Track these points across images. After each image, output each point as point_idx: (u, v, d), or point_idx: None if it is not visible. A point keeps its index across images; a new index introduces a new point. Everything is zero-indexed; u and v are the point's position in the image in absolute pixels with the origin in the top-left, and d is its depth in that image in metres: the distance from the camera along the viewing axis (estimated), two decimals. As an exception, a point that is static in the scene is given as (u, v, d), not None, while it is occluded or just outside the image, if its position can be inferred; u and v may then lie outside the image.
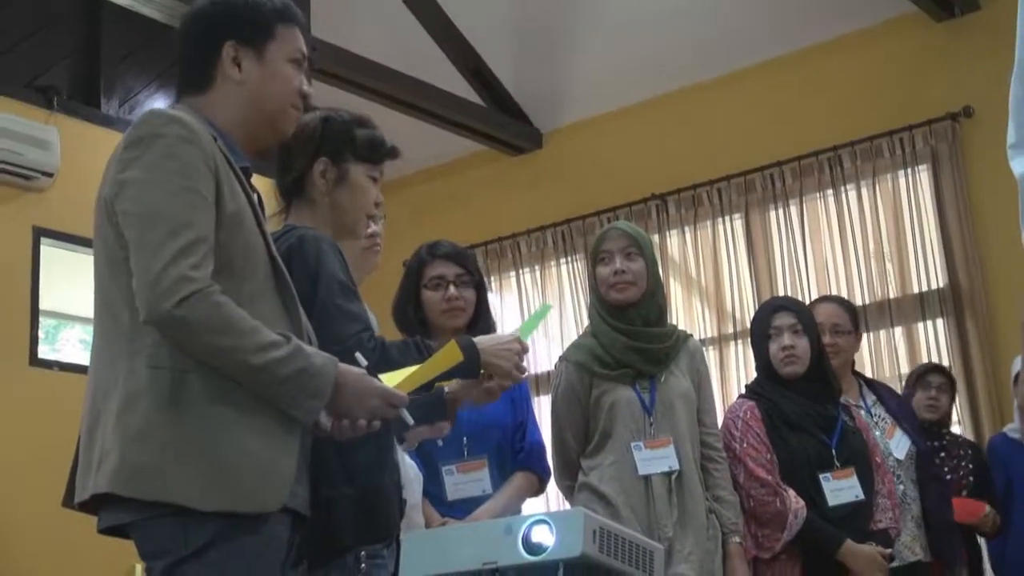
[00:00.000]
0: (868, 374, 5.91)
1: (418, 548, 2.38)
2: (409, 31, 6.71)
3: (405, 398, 2.42)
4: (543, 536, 2.24)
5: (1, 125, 5.73)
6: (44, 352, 5.91)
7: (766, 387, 3.98)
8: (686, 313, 6.63)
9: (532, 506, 4.44)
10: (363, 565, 2.61)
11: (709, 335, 6.49)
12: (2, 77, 5.99)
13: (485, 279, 6.93)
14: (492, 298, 7.03)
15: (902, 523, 4.15)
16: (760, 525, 3.77)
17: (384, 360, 2.60)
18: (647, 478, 3.65)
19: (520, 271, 7.09)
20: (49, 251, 5.88)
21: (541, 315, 3.46)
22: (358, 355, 2.44)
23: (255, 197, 2.47)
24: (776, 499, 3.75)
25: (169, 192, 2.24)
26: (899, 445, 4.32)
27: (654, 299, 3.82)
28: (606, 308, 3.83)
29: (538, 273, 7.04)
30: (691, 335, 4.00)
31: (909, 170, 6.08)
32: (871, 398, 4.44)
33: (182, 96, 2.50)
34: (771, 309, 4.08)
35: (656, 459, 3.66)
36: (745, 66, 6.53)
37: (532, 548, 2.24)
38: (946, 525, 4.32)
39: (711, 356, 6.37)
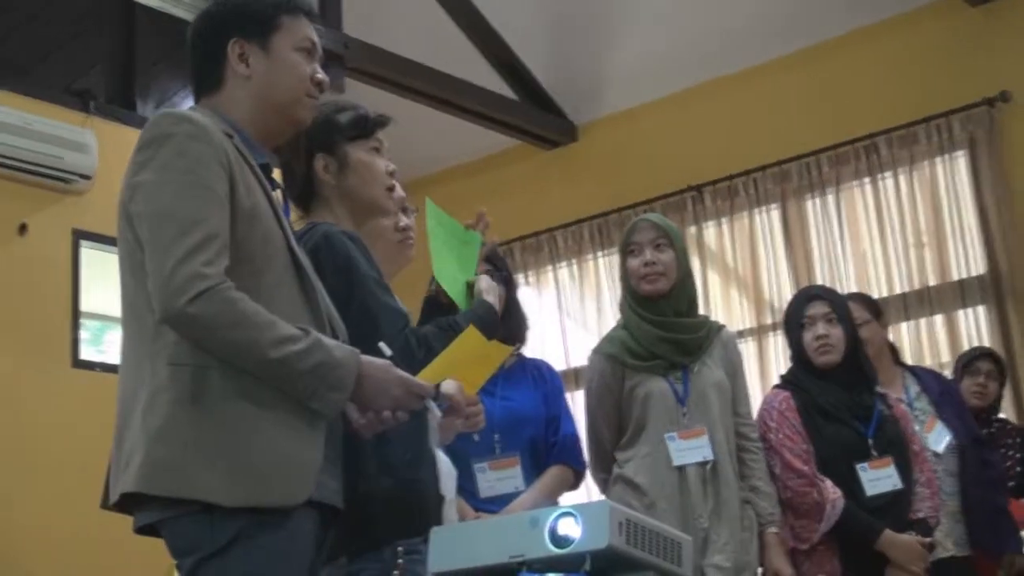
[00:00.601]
0: (910, 363, 5.89)
1: (445, 542, 2.37)
2: (441, 27, 6.71)
3: (431, 388, 2.42)
4: (569, 528, 2.22)
5: (39, 129, 5.77)
6: (89, 354, 5.95)
7: (801, 377, 3.96)
8: (724, 304, 6.59)
9: (571, 500, 4.42)
10: (400, 560, 2.61)
11: (747, 326, 6.45)
12: (39, 82, 6.06)
13: (522, 274, 7.04)
14: (529, 293, 7.07)
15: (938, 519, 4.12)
16: (797, 516, 3.75)
17: (431, 355, 2.61)
18: (681, 469, 3.64)
19: (557, 265, 7.09)
20: (89, 253, 5.92)
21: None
22: (382, 345, 2.44)
23: (276, 192, 2.48)
24: (813, 490, 3.73)
25: (180, 191, 2.24)
26: (938, 439, 4.28)
27: (684, 290, 3.81)
28: (637, 300, 3.82)
29: (575, 267, 7.03)
30: (724, 326, 3.98)
31: (946, 156, 6.02)
32: (915, 389, 4.41)
33: (199, 98, 2.52)
34: (805, 298, 4.06)
35: (690, 450, 3.65)
36: (780, 55, 6.48)
37: (558, 541, 2.22)
38: (995, 511, 4.27)
39: (750, 347, 6.34)
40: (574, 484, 3.92)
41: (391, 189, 3.00)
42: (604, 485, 3.85)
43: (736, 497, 3.66)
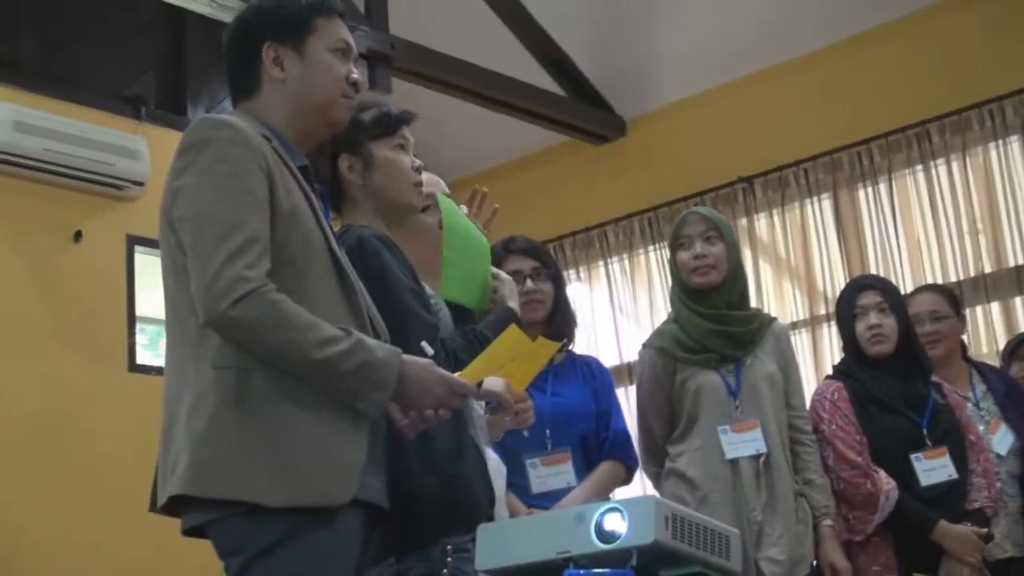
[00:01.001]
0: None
1: (492, 539, 2.38)
2: (487, 24, 6.69)
3: (472, 387, 2.43)
4: (615, 524, 2.23)
5: (92, 137, 5.84)
6: (145, 358, 6.00)
7: (854, 367, 3.93)
8: (777, 296, 6.55)
9: (623, 495, 4.41)
10: (449, 559, 2.62)
11: (801, 317, 6.40)
12: (91, 90, 6.11)
13: (573, 270, 7.03)
14: (581, 288, 7.07)
15: (996, 520, 4.07)
16: (851, 508, 3.73)
17: (458, 366, 2.62)
18: (734, 462, 3.63)
19: (608, 260, 7.07)
20: (143, 258, 5.98)
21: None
22: (424, 344, 2.45)
23: (316, 192, 2.49)
24: (867, 481, 3.70)
25: (220, 195, 2.26)
26: (1002, 440, 4.22)
27: (736, 282, 3.80)
28: (687, 293, 3.81)
29: (626, 262, 7.01)
30: (775, 318, 3.97)
31: (1000, 142, 5.94)
32: (981, 388, 4.34)
33: (237, 103, 2.54)
34: (856, 288, 4.03)
35: (743, 443, 3.64)
36: (828, 44, 6.41)
37: (605, 536, 2.23)
38: None
39: (803, 339, 6.30)
40: (626, 479, 3.92)
41: (418, 184, 3.00)
42: (656, 479, 3.85)
43: (790, 490, 3.64)
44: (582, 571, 2.15)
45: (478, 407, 2.48)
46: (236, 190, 2.27)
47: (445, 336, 2.82)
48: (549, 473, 3.78)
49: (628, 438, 3.90)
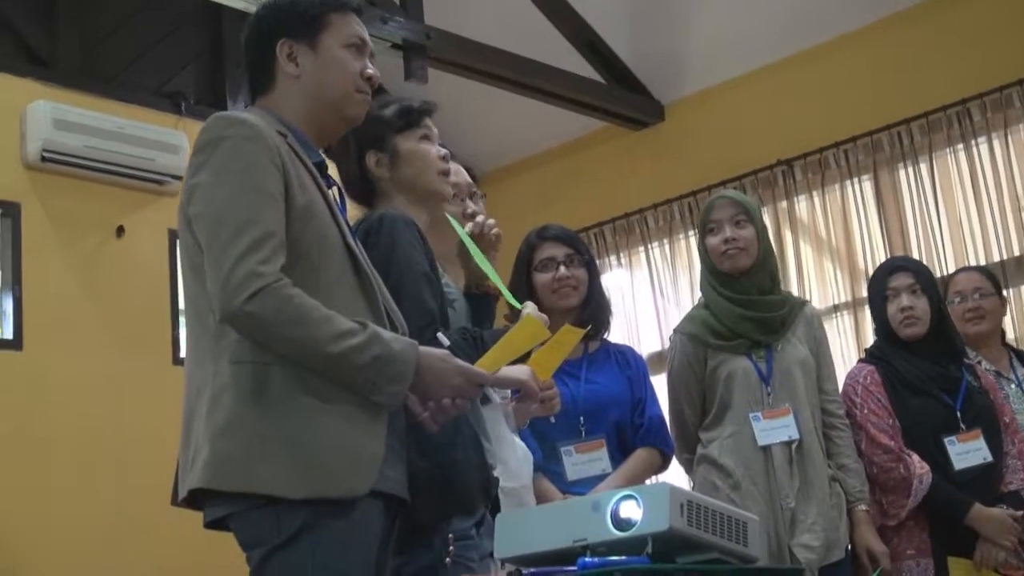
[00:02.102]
0: (1010, 332, 5.76)
1: (509, 527, 2.39)
2: (521, 11, 6.67)
3: (488, 376, 2.44)
4: (631, 511, 2.23)
5: (133, 133, 5.91)
6: (188, 351, 6.08)
7: (886, 350, 3.91)
8: (818, 278, 6.50)
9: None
10: (451, 547, 2.63)
11: (843, 300, 6.35)
12: (132, 86, 6.19)
13: (615, 255, 7.03)
14: (622, 274, 7.06)
15: None
16: (884, 492, 3.71)
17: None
18: (767, 448, 3.62)
19: (649, 245, 7.04)
20: (185, 253, 6.05)
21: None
22: (440, 335, 2.46)
23: (333, 189, 2.51)
24: (900, 465, 3.68)
25: (234, 192, 2.29)
26: None
27: (766, 267, 3.79)
28: (718, 278, 3.80)
29: (667, 247, 6.98)
30: (807, 301, 3.95)
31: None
32: (1022, 371, 4.30)
33: (254, 99, 2.57)
34: (888, 270, 4.00)
35: (775, 429, 3.63)
36: (865, 24, 6.35)
37: (620, 524, 2.23)
38: None
39: (845, 321, 6.25)
40: (661, 466, 3.91)
41: (446, 173, 3.02)
42: (688, 465, 3.85)
43: (824, 476, 3.63)
44: (596, 559, 2.15)
45: (496, 396, 2.49)
46: (250, 187, 2.29)
47: (453, 329, 2.83)
48: (584, 460, 3.78)
49: (664, 425, 3.89)
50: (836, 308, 6.32)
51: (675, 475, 5.00)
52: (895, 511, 3.69)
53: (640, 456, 3.82)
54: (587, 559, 2.17)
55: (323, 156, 2.54)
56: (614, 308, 6.87)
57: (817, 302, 6.40)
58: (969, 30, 6.05)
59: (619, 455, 3.80)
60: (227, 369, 2.28)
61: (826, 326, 6.19)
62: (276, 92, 2.53)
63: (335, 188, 2.55)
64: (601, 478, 3.73)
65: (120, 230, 5.94)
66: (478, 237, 3.10)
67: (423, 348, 2.35)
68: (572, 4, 6.82)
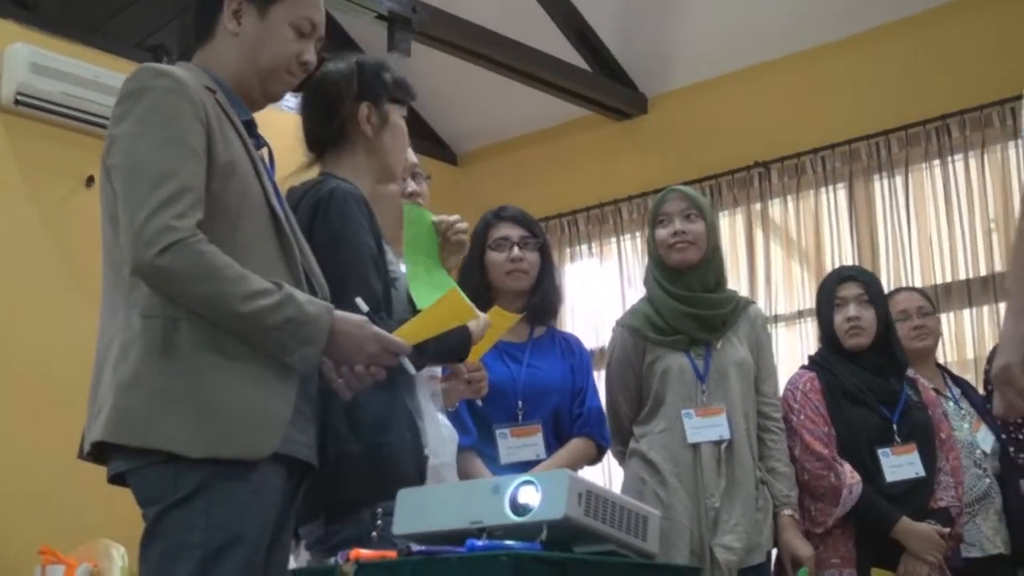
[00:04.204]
0: (970, 351, 5.78)
1: (410, 505, 2.38)
2: (513, -6, 6.67)
3: (407, 346, 2.43)
4: (529, 497, 2.23)
5: (111, 83, 5.83)
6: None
7: (829, 358, 3.91)
8: (786, 283, 6.48)
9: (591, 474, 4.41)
10: (379, 522, 2.63)
11: (808, 306, 6.32)
12: (114, 36, 6.14)
13: (587, 244, 7.02)
14: (592, 263, 7.05)
15: (985, 514, 4.05)
16: (814, 499, 3.71)
17: None
18: (696, 447, 3.62)
19: (621, 237, 7.02)
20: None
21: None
22: (359, 300, 2.45)
23: (263, 149, 2.49)
24: (831, 473, 3.68)
25: (154, 144, 2.27)
26: (986, 439, 4.22)
27: (712, 264, 3.78)
28: (663, 273, 3.79)
29: (638, 240, 6.96)
30: (753, 302, 3.93)
31: (1019, 140, 5.84)
32: (957, 390, 4.34)
33: (194, 48, 2.53)
34: (838, 279, 4.00)
35: (707, 427, 3.63)
36: (853, 33, 6.33)
37: (518, 509, 2.23)
38: (1021, 519, 4.19)
39: (809, 327, 6.24)
40: (596, 458, 3.91)
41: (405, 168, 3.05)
42: (622, 458, 3.84)
43: (751, 478, 3.63)
44: (486, 541, 2.15)
45: (411, 368, 2.47)
46: (171, 140, 2.27)
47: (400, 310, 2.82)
48: (518, 444, 3.78)
49: (603, 417, 3.89)
50: (801, 314, 6.32)
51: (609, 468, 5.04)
52: (822, 519, 3.69)
53: (576, 445, 3.82)
54: (476, 541, 2.16)
55: (252, 115, 2.52)
56: (582, 297, 6.99)
57: (783, 307, 6.42)
58: (952, 48, 6.04)
59: (554, 443, 3.80)
60: (137, 322, 2.26)
61: (790, 332, 6.32)
62: (212, 45, 2.51)
63: (265, 148, 2.53)
64: (534, 463, 3.72)
65: (90, 180, 5.89)
66: (443, 237, 3.10)
67: (338, 313, 2.34)
68: (564, -8, 6.79)
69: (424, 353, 2.58)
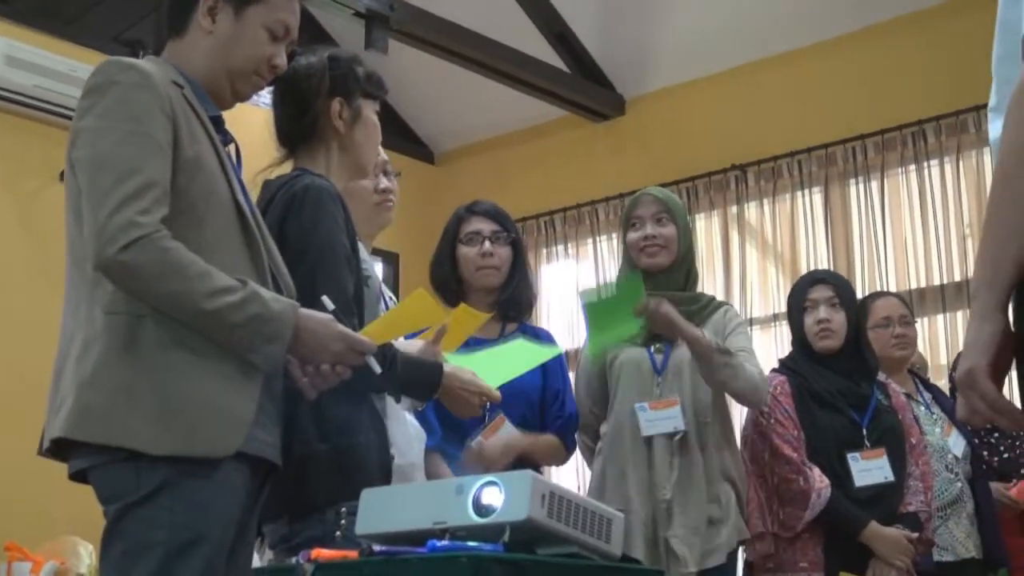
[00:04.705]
0: (944, 356, 5.79)
1: (373, 505, 2.36)
2: (492, -7, 6.66)
3: (372, 345, 2.41)
4: (493, 498, 2.21)
5: (84, 77, 5.80)
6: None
7: (800, 361, 3.90)
8: (761, 287, 6.51)
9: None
10: (343, 521, 2.61)
11: (783, 309, 6.33)
12: (90, 30, 6.11)
13: (563, 245, 7.01)
14: (568, 264, 7.04)
15: (957, 518, 4.06)
16: (783, 503, 3.70)
17: None
18: (649, 440, 3.61)
19: (597, 238, 7.03)
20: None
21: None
22: (325, 299, 2.43)
23: (230, 146, 2.47)
24: (799, 477, 3.68)
25: (119, 138, 2.24)
26: (957, 443, 4.23)
27: (683, 266, 3.76)
28: (635, 275, 3.78)
29: (615, 241, 6.96)
30: (729, 306, 3.90)
31: (994, 147, 5.84)
32: (928, 395, 4.36)
33: (164, 42, 2.51)
34: (809, 281, 3.99)
35: (661, 420, 3.61)
36: (830, 36, 6.36)
37: (481, 510, 2.21)
38: (992, 523, 4.20)
39: (784, 331, 6.24)
40: (563, 459, 3.88)
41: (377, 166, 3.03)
42: (590, 454, 3.85)
43: (701, 471, 3.60)
44: (447, 542, 2.14)
45: (377, 367, 2.45)
46: (136, 135, 2.24)
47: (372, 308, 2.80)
48: None
49: (577, 423, 3.87)
50: (776, 317, 6.32)
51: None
52: (792, 523, 3.68)
53: (550, 439, 3.79)
54: (437, 542, 2.15)
55: (220, 112, 2.50)
56: (557, 297, 6.98)
57: (759, 310, 6.43)
58: (929, 53, 6.06)
59: None
60: (100, 318, 2.24)
61: (765, 334, 6.32)
62: (184, 41, 2.48)
63: (232, 145, 2.51)
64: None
65: (63, 175, 5.84)
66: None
67: (304, 311, 2.32)
68: (543, -8, 6.79)
69: (391, 374, 2.57)
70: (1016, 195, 1.78)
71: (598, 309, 3.54)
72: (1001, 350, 1.79)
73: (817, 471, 3.68)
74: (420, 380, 2.74)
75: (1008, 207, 1.80)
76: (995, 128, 1.95)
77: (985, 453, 4.55)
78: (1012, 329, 1.80)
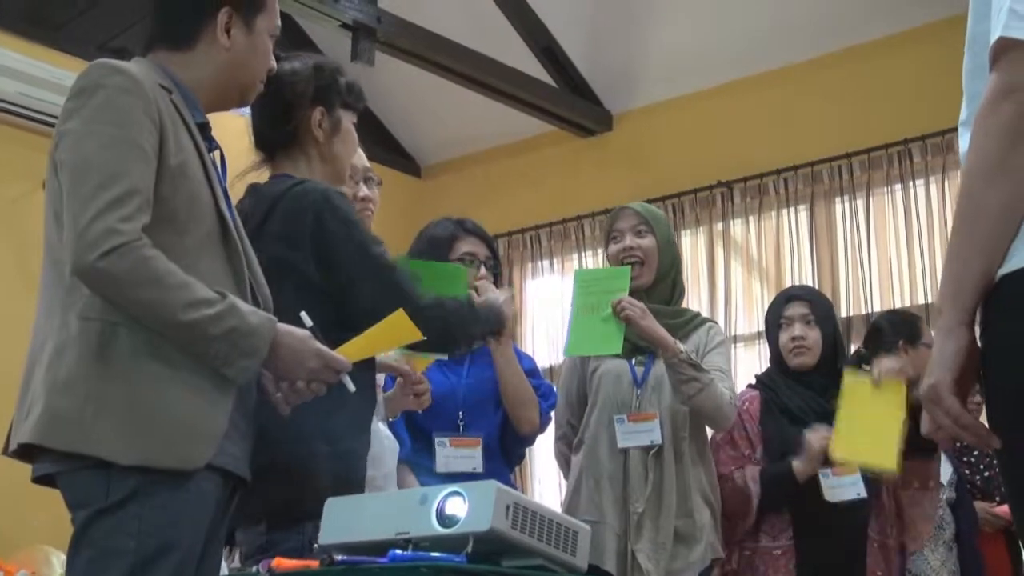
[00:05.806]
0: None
1: (337, 515, 2.34)
2: (480, 7, 6.64)
3: (347, 363, 2.39)
4: (456, 508, 2.19)
5: (69, 85, 5.81)
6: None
7: (774, 378, 3.92)
8: (746, 304, 6.50)
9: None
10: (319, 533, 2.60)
11: (767, 327, 6.34)
12: (75, 39, 6.10)
13: (548, 260, 7.00)
14: (554, 280, 7.02)
15: (934, 545, 4.05)
16: (727, 517, 3.70)
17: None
18: (626, 452, 3.61)
19: (583, 253, 7.03)
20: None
21: None
22: (303, 315, 2.41)
23: (215, 152, 2.45)
24: (732, 476, 3.72)
25: (103, 143, 2.21)
26: (944, 469, 4.22)
27: (667, 279, 3.76)
28: (617, 288, 3.77)
29: (600, 256, 6.94)
30: (714, 323, 3.90)
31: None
32: None
33: (155, 47, 2.44)
34: (785, 298, 4.00)
35: (638, 432, 3.62)
36: (817, 55, 6.37)
37: (444, 520, 2.19)
38: (972, 550, 4.20)
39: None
40: (536, 430, 3.80)
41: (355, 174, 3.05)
42: (562, 460, 3.84)
43: (673, 486, 3.59)
44: (408, 552, 2.12)
45: (351, 385, 2.44)
46: (121, 140, 2.21)
47: None
48: (456, 455, 3.72)
49: (552, 397, 3.82)
50: (760, 334, 6.27)
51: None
52: (746, 523, 3.71)
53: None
54: (398, 552, 2.13)
55: (206, 118, 2.46)
56: (542, 313, 6.95)
57: (743, 327, 6.42)
58: (915, 72, 6.07)
59: (497, 453, 3.75)
60: (75, 324, 2.20)
61: (749, 351, 6.31)
62: (191, 53, 2.43)
63: (217, 152, 2.48)
64: (470, 476, 3.66)
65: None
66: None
67: (281, 326, 2.29)
68: (532, 7, 6.78)
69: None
70: (980, 210, 1.78)
71: (587, 278, 3.69)
72: (966, 366, 1.79)
73: (748, 469, 3.70)
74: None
75: (972, 222, 1.79)
76: (964, 142, 1.94)
77: (967, 472, 4.54)
78: (977, 344, 1.80)
